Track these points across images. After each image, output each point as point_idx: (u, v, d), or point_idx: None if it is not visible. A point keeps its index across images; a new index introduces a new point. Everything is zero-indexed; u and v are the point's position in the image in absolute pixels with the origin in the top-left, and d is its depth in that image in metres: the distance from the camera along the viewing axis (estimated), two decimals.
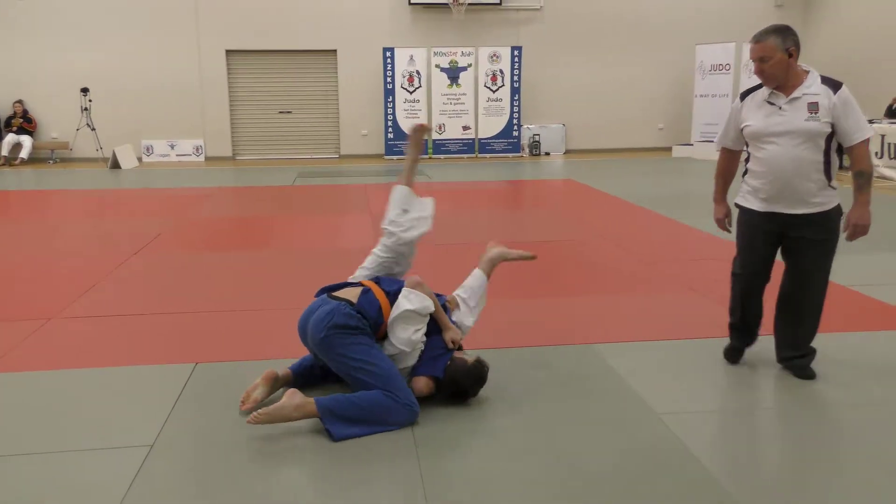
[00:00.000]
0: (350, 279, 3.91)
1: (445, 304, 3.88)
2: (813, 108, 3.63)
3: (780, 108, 3.69)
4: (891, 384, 3.87)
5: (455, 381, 3.60)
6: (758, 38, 3.68)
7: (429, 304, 3.61)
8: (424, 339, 3.66)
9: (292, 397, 3.40)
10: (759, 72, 3.68)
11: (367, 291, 3.66)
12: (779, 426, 3.50)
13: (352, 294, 3.65)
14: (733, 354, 4.18)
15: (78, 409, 3.67)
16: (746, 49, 15.85)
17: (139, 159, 15.87)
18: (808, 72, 3.71)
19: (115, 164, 14.58)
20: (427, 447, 3.25)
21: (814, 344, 3.97)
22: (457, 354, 3.68)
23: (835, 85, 3.65)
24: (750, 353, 4.24)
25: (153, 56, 15.78)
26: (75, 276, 6.16)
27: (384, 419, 3.39)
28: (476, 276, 4.10)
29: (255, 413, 3.33)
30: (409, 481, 2.98)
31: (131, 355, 4.41)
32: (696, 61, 16.23)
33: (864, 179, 3.69)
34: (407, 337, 3.57)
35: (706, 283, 5.79)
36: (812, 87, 3.66)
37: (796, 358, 3.96)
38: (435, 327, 3.72)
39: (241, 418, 3.54)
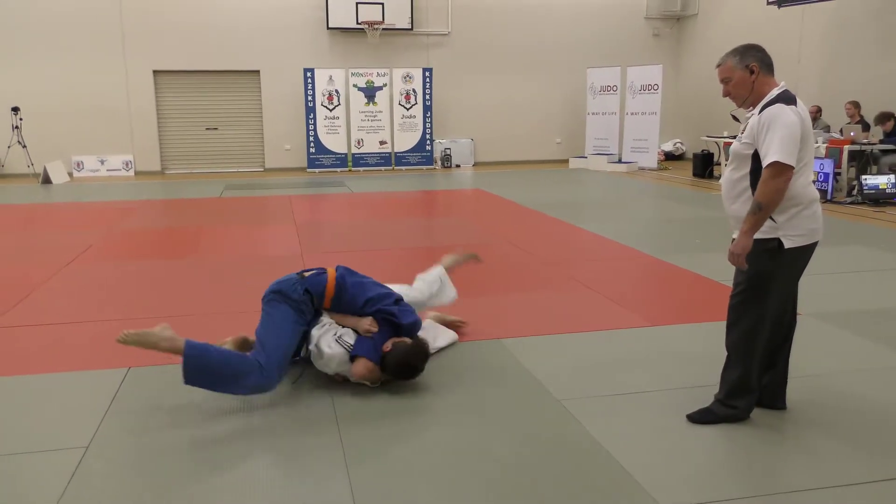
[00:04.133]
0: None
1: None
2: (745, 127, 3.21)
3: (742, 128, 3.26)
4: None
5: (399, 361, 3.64)
6: (718, 63, 3.32)
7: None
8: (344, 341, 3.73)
9: (164, 330, 3.43)
10: (726, 94, 3.30)
11: (321, 273, 3.82)
12: (674, 406, 3.57)
13: (309, 273, 3.86)
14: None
15: (12, 415, 3.50)
16: (631, 72, 16.43)
17: (70, 175, 15.19)
18: (777, 90, 3.19)
19: (47, 180, 13.92)
20: (348, 425, 3.26)
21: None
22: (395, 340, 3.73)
23: (772, 102, 3.13)
24: (653, 343, 4.40)
25: (82, 76, 15.14)
26: (8, 288, 5.86)
27: (235, 380, 3.40)
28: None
29: (124, 331, 3.36)
30: (332, 454, 2.98)
31: (65, 362, 4.23)
32: (587, 83, 16.66)
33: (753, 208, 3.07)
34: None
35: (600, 282, 5.96)
36: (762, 105, 3.17)
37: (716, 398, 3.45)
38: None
39: (175, 419, 3.46)
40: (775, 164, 3.00)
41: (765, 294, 3.21)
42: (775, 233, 3.14)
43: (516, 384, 3.85)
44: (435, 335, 4.30)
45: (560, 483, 2.87)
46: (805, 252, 3.23)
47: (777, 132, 3.02)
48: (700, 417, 3.39)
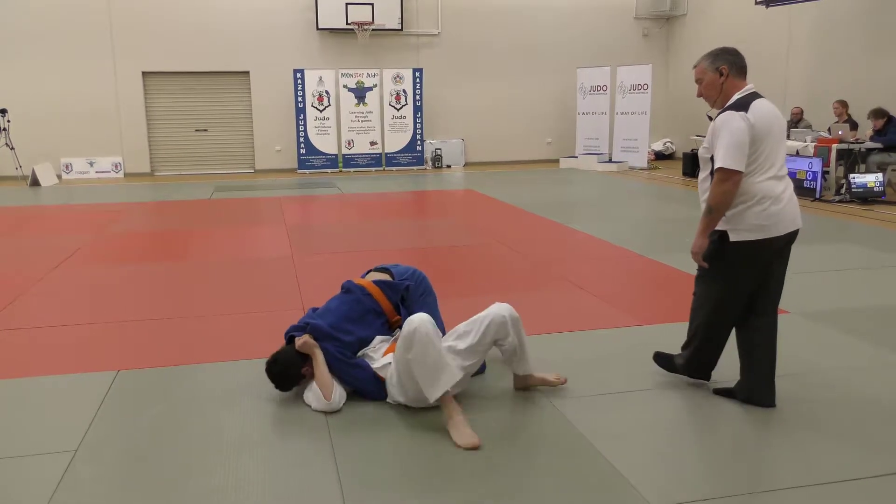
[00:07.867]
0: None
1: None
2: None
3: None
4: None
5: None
6: (694, 64, 3.50)
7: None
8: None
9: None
10: (699, 94, 3.47)
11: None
12: (664, 405, 3.59)
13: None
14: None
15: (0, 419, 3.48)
16: (621, 72, 16.49)
17: (59, 177, 15.12)
18: (739, 93, 3.34)
19: (35, 182, 13.85)
20: (338, 429, 3.25)
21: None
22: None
23: (726, 109, 3.29)
24: (643, 342, 4.40)
25: (70, 78, 15.08)
26: None
27: None
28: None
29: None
30: (322, 458, 2.97)
31: (53, 365, 4.20)
32: (577, 83, 16.71)
33: (705, 210, 3.31)
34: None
35: (591, 281, 5.97)
36: (720, 111, 3.33)
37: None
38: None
39: (165, 421, 3.44)
40: (721, 170, 3.20)
41: (711, 279, 3.46)
42: (722, 226, 3.33)
43: (506, 383, 3.85)
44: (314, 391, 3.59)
45: (550, 481, 2.87)
46: (756, 248, 3.32)
47: (724, 139, 3.20)
48: (661, 361, 3.88)
